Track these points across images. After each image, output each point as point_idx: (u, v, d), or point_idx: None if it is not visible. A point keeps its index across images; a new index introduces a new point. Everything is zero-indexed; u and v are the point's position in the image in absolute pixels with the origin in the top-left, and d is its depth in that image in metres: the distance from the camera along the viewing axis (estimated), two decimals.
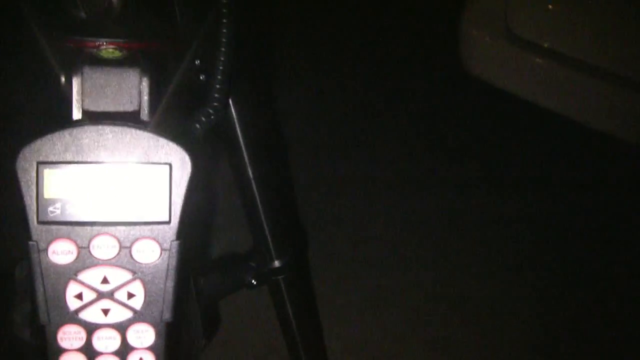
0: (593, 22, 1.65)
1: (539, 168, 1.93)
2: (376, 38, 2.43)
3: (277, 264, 0.85)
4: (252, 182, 0.80)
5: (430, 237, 1.65)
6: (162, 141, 0.50)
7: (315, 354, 0.97)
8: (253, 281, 0.85)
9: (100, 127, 0.50)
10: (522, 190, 1.82)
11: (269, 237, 0.84)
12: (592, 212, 1.77)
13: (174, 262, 0.51)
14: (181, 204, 0.51)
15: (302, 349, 0.92)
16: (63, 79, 0.55)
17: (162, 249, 0.51)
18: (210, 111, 0.66)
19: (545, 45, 1.70)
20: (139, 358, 0.52)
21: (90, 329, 0.51)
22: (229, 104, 0.75)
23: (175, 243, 0.51)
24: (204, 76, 0.70)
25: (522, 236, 1.68)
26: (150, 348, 0.52)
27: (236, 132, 0.77)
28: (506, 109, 1.99)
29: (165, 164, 0.50)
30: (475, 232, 1.67)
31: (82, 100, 0.53)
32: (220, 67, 0.67)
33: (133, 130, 0.50)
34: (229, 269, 0.86)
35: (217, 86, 0.67)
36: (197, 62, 0.71)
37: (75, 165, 0.49)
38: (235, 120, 0.76)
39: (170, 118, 0.55)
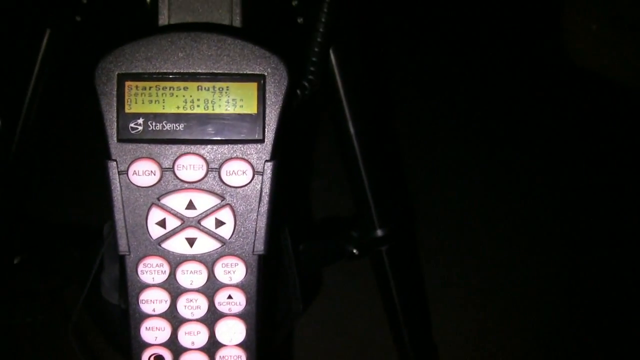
0: None
1: None
2: None
3: (380, 232, 0.77)
4: (354, 138, 0.72)
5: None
6: (256, 49, 0.44)
7: (420, 335, 0.89)
8: (355, 251, 0.79)
9: (188, 33, 0.44)
10: None
11: (371, 202, 0.76)
12: None
13: (267, 185, 0.45)
14: (276, 120, 0.45)
15: (406, 328, 0.84)
16: None
17: (254, 171, 0.45)
18: (312, 59, 0.60)
19: None
20: (227, 296, 0.46)
21: (174, 261, 0.46)
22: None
23: (270, 164, 0.45)
24: (302, 19, 0.65)
25: None
26: (240, 285, 0.46)
27: (336, 80, 0.70)
28: None
29: (259, 74, 0.44)
30: None
31: (169, 13, 0.49)
32: (325, 10, 0.60)
33: (224, 37, 0.44)
34: (328, 237, 0.80)
35: (320, 30, 0.60)
36: (295, 2, 0.66)
37: (160, 76, 0.44)
38: (335, 67, 0.69)
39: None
